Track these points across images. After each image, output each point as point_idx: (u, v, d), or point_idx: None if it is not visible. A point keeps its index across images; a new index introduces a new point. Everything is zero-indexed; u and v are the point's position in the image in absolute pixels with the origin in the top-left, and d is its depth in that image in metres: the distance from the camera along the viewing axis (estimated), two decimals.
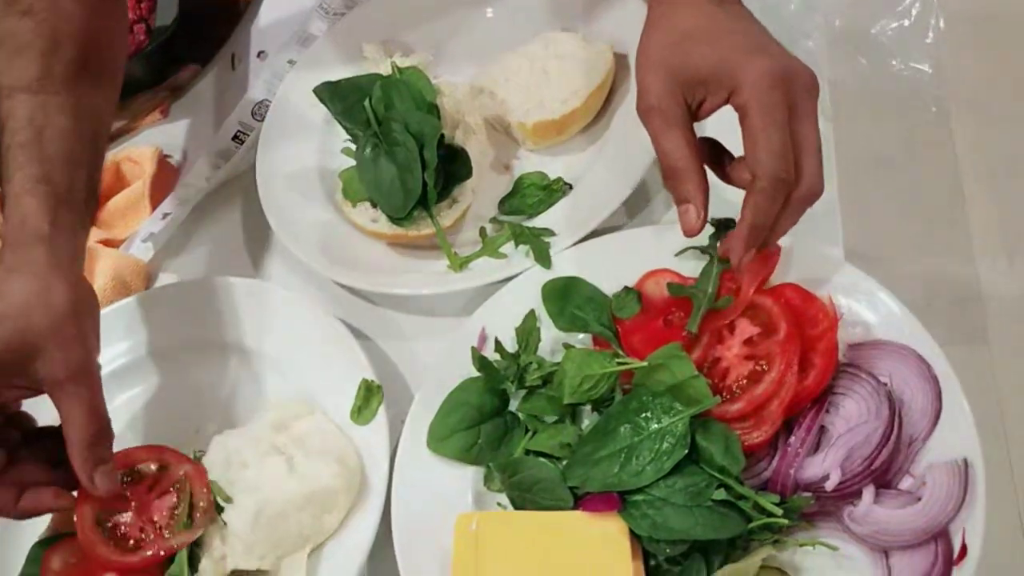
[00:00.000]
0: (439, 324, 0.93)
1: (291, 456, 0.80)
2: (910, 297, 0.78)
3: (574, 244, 0.90)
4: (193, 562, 0.77)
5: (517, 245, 0.92)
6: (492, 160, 1.03)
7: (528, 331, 0.86)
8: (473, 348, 0.84)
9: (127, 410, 0.91)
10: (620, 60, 1.02)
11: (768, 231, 0.70)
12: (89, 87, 0.81)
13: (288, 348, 0.90)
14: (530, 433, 0.82)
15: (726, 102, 0.70)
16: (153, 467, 0.81)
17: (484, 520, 0.74)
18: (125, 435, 0.88)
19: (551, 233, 0.92)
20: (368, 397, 0.83)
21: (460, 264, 0.92)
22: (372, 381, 0.84)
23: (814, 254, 0.81)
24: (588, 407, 0.81)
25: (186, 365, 0.93)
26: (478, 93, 1.03)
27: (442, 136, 0.94)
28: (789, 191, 0.68)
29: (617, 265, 0.86)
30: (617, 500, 0.71)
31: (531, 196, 0.98)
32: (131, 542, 0.77)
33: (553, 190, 0.98)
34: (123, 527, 0.78)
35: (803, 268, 0.80)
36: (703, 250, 0.83)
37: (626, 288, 0.86)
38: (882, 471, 0.71)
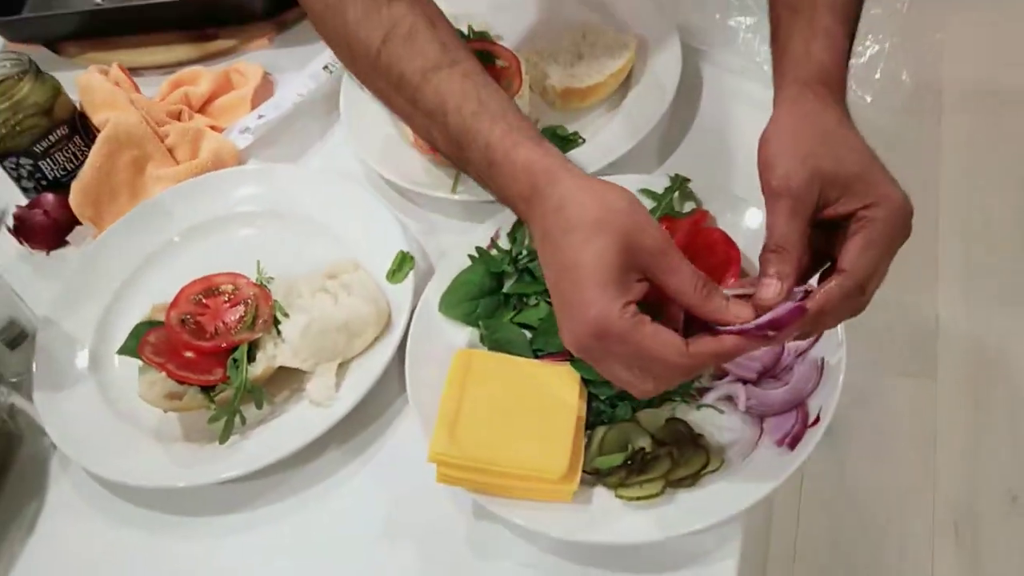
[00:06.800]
0: (463, 226, 1.18)
1: (336, 294, 1.06)
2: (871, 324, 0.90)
3: None
4: (250, 356, 1.03)
5: None
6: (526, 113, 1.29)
7: (516, 230, 1.11)
8: (478, 247, 1.09)
9: (216, 253, 1.18)
10: (640, 48, 1.28)
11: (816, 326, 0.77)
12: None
13: (344, 222, 1.16)
14: (516, 310, 1.07)
15: (853, 212, 0.72)
16: (230, 287, 1.08)
17: (475, 356, 0.99)
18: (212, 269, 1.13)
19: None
20: (402, 264, 1.09)
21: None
22: (407, 253, 1.10)
23: None
24: None
25: (263, 227, 1.20)
26: (524, 61, 1.29)
27: None
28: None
29: None
30: (567, 356, 0.96)
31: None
32: (206, 335, 1.04)
33: (569, 140, 1.23)
34: (201, 324, 1.04)
35: None
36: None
37: None
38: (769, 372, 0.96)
